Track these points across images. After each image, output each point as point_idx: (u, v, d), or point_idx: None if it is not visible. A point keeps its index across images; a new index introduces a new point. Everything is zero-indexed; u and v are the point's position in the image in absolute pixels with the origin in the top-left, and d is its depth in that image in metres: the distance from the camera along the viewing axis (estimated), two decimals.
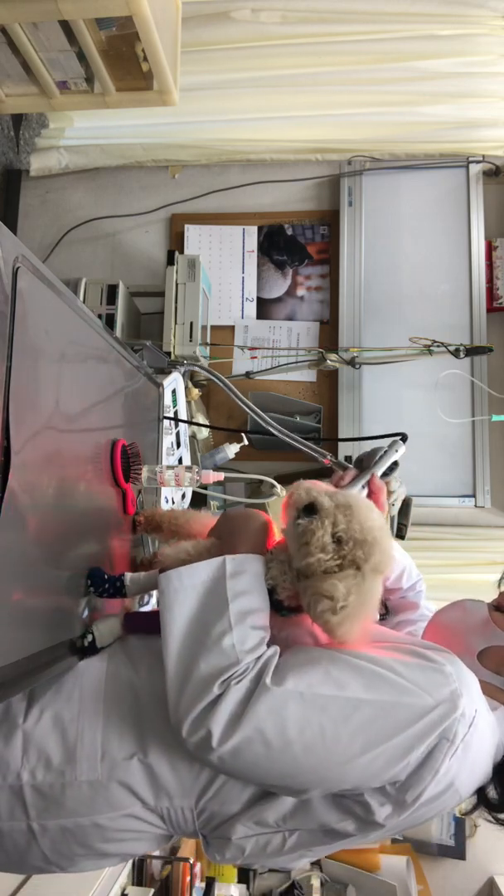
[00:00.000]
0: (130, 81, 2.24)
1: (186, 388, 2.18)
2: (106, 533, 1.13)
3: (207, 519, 1.17)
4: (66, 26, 2.02)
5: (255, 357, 2.66)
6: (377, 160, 2.84)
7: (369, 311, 2.77)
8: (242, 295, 2.92)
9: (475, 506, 2.63)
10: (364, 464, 1.11)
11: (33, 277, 0.86)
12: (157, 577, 0.89)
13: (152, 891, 2.06)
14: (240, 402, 1.51)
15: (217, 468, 2.14)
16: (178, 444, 1.95)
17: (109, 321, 2.44)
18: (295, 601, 0.89)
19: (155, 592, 0.93)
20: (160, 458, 1.60)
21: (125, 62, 2.16)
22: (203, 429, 2.41)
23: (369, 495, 1.06)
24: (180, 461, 1.97)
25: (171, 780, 0.86)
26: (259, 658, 0.81)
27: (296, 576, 0.88)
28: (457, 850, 2.58)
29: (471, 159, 2.78)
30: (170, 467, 1.32)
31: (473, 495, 2.63)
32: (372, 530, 0.84)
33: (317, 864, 2.56)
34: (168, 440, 1.73)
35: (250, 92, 2.79)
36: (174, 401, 1.88)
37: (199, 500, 2.24)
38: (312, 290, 2.91)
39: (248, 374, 2.66)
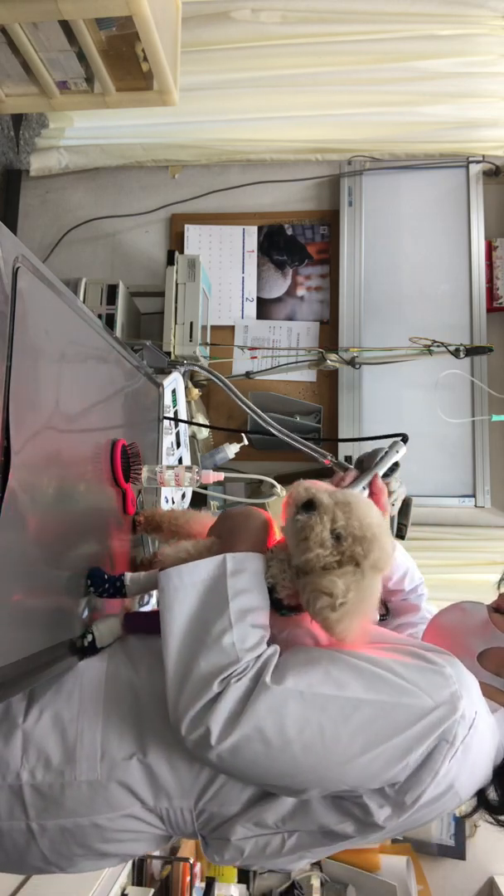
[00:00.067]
0: (130, 81, 2.24)
1: (186, 388, 2.18)
2: (106, 533, 1.13)
3: (207, 519, 1.17)
4: (66, 26, 2.02)
5: (255, 357, 2.66)
6: (377, 160, 2.84)
7: (369, 311, 2.77)
8: (242, 295, 2.92)
9: (475, 506, 2.63)
10: (365, 465, 1.11)
11: (33, 277, 0.86)
12: (157, 577, 0.89)
13: (152, 891, 2.06)
14: (240, 402, 1.51)
15: (217, 468, 2.14)
16: (178, 444, 1.95)
17: (109, 321, 2.44)
18: (295, 600, 0.89)
19: (155, 592, 0.93)
20: (160, 458, 1.60)
21: (125, 62, 2.16)
22: (203, 429, 2.41)
23: (370, 496, 1.06)
24: (180, 461, 1.97)
25: (170, 781, 0.86)
26: (259, 657, 0.81)
27: (295, 574, 0.88)
28: (457, 850, 2.58)
29: (471, 159, 2.78)
30: (170, 467, 1.32)
31: (473, 495, 2.63)
32: (371, 527, 0.84)
33: (317, 865, 2.57)
34: (168, 440, 1.73)
35: (250, 92, 2.79)
36: (174, 401, 1.88)
37: (199, 500, 2.24)
38: (312, 290, 2.91)
39: (248, 374, 2.66)
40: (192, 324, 2.39)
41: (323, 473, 1.16)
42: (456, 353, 2.43)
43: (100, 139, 2.92)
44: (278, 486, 1.46)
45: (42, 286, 0.89)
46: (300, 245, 2.93)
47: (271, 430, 1.38)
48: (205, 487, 2.11)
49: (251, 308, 2.91)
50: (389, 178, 2.84)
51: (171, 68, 2.18)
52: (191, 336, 2.38)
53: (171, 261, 2.43)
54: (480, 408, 2.65)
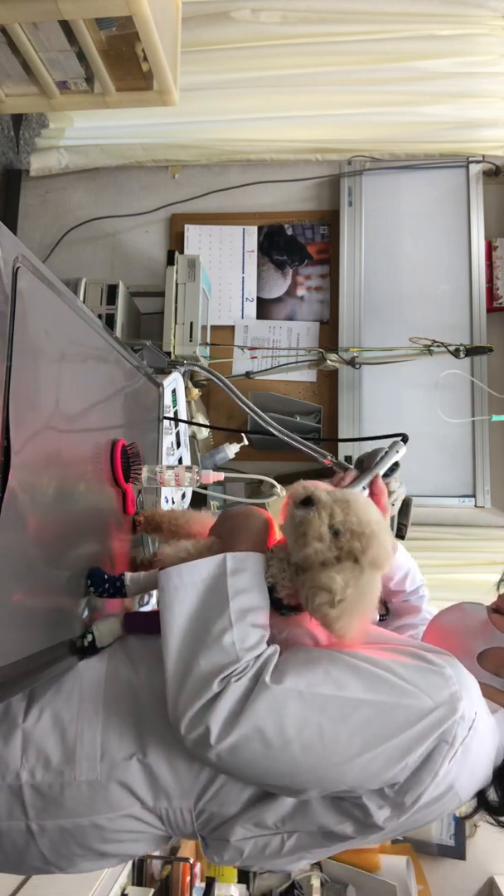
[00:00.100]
0: (130, 81, 2.24)
1: (186, 388, 2.18)
2: (106, 533, 1.13)
3: (207, 519, 1.17)
4: (66, 26, 2.02)
5: (255, 357, 2.66)
6: (377, 160, 2.84)
7: (369, 311, 2.77)
8: (242, 295, 2.92)
9: (475, 506, 2.63)
10: (365, 465, 1.11)
11: (33, 277, 0.86)
12: (157, 577, 0.89)
13: (152, 891, 2.06)
14: (240, 402, 1.51)
15: (217, 468, 2.14)
16: (178, 444, 1.95)
17: (109, 321, 2.44)
18: (294, 599, 0.89)
19: (155, 592, 0.93)
20: (160, 458, 1.60)
21: (125, 62, 2.16)
22: (203, 429, 2.41)
23: (371, 497, 1.06)
24: (180, 461, 1.98)
25: (170, 781, 0.86)
26: (259, 656, 0.81)
27: (295, 572, 0.88)
28: (457, 850, 2.58)
29: (471, 159, 2.78)
30: (170, 467, 1.32)
31: (473, 495, 2.63)
32: (370, 524, 0.84)
33: (317, 865, 2.57)
34: (168, 440, 1.73)
35: (250, 92, 2.79)
36: (174, 401, 1.88)
37: (199, 500, 2.24)
38: (312, 290, 2.91)
39: (248, 374, 2.66)
40: (192, 324, 2.39)
41: (323, 473, 1.16)
42: (456, 353, 2.43)
43: (100, 139, 2.92)
44: (278, 486, 1.46)
45: (42, 286, 0.89)
46: (300, 245, 2.93)
47: (271, 430, 1.38)
48: (205, 487, 2.11)
49: (251, 308, 2.91)
50: (389, 178, 2.84)
51: (171, 68, 2.18)
52: (191, 336, 2.38)
53: (171, 261, 2.43)
54: (480, 408, 2.65)
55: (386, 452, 1.11)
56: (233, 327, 2.90)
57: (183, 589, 0.85)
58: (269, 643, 0.85)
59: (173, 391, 1.87)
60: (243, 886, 2.50)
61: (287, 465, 2.60)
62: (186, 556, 0.96)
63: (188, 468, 1.32)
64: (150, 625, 0.94)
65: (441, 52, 2.66)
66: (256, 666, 0.80)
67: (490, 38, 2.65)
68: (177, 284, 2.42)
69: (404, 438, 1.14)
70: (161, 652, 0.83)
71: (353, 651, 0.84)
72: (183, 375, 1.99)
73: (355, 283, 2.78)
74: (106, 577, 1.02)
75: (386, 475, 1.10)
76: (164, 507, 1.68)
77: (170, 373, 1.85)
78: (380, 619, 1.13)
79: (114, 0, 1.84)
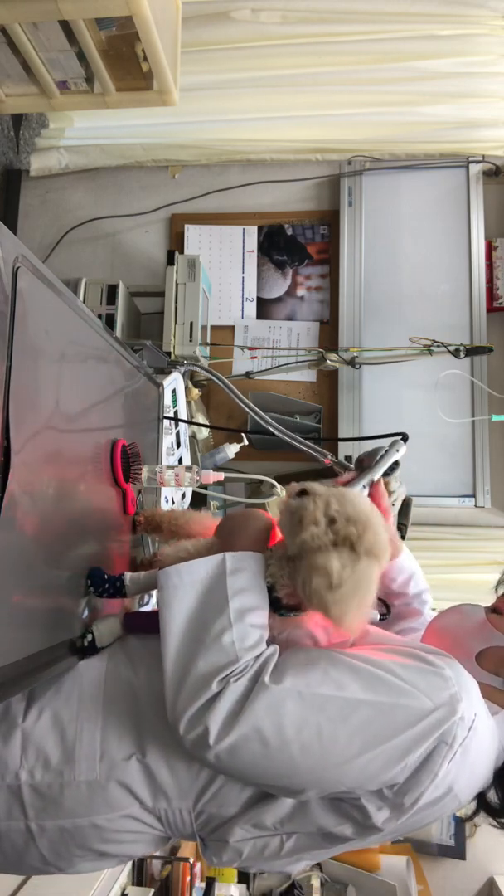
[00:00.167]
0: (130, 81, 2.24)
1: (186, 388, 2.18)
2: (106, 533, 1.13)
3: (207, 519, 1.17)
4: (66, 26, 2.02)
5: (255, 357, 2.66)
6: (377, 160, 2.84)
7: (369, 311, 2.77)
8: (242, 295, 2.92)
9: (475, 506, 2.63)
10: (364, 463, 1.11)
11: (33, 277, 0.86)
12: (156, 577, 0.89)
13: (152, 891, 2.06)
14: (240, 402, 1.51)
15: (217, 468, 2.14)
16: (178, 444, 1.95)
17: (109, 321, 2.44)
18: (294, 599, 0.89)
19: (155, 592, 0.93)
20: (160, 458, 1.60)
21: (125, 62, 2.16)
22: (203, 429, 2.41)
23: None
24: (180, 461, 1.98)
25: (168, 781, 0.86)
26: (258, 657, 0.81)
27: (294, 569, 0.88)
28: (457, 850, 2.58)
29: (471, 159, 2.78)
30: (170, 467, 1.32)
31: (473, 495, 2.63)
32: (364, 513, 0.84)
33: (317, 864, 2.56)
34: (168, 440, 1.73)
35: (250, 92, 2.79)
36: (174, 401, 1.88)
37: (199, 500, 2.24)
38: (312, 290, 2.91)
39: (248, 374, 2.66)
40: (192, 324, 2.39)
41: (323, 473, 1.16)
42: (456, 353, 2.43)
43: (100, 139, 2.92)
44: (278, 486, 1.46)
45: (42, 286, 0.89)
46: (300, 245, 2.93)
47: (271, 429, 1.38)
48: (205, 487, 2.11)
49: (251, 308, 2.91)
50: (389, 178, 2.84)
51: (171, 68, 2.18)
52: (191, 336, 2.38)
53: (171, 261, 2.43)
54: (480, 408, 2.65)
55: (386, 451, 1.11)
56: (233, 327, 2.90)
57: (182, 588, 0.85)
58: (268, 643, 0.85)
59: (173, 391, 1.87)
60: (243, 886, 2.50)
61: (287, 465, 2.60)
62: (186, 556, 0.96)
63: (188, 468, 1.32)
64: (149, 625, 0.94)
65: (441, 52, 2.66)
66: (256, 666, 0.80)
67: (490, 38, 2.65)
68: (177, 284, 2.42)
69: (404, 437, 1.13)
70: (161, 652, 0.83)
71: (352, 652, 0.84)
72: (183, 375, 1.99)
73: (355, 283, 2.78)
74: (106, 577, 1.02)
75: (386, 474, 1.09)
76: (164, 507, 1.68)
77: (170, 373, 1.85)
78: (380, 619, 1.13)
79: (114, 0, 1.84)
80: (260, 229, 2.94)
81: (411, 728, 0.76)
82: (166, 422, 1.66)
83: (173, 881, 2.18)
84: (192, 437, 2.30)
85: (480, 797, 0.88)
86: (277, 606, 0.90)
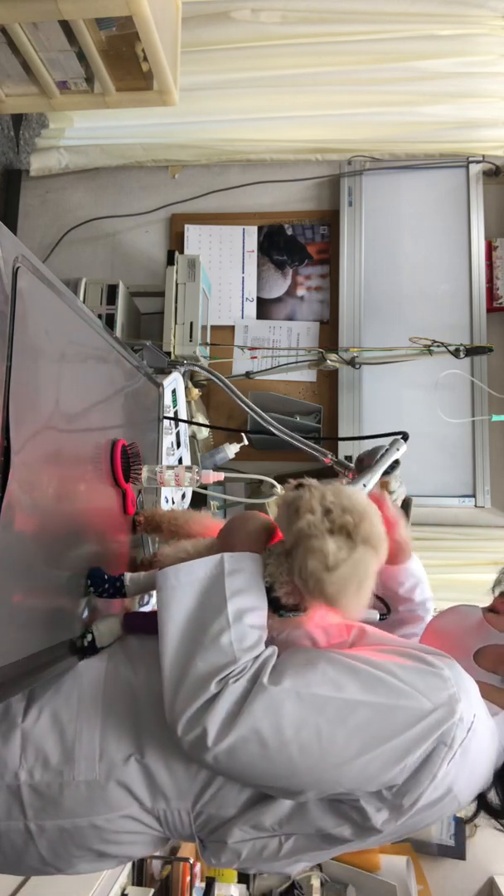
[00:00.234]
0: (130, 81, 2.24)
1: (186, 388, 2.18)
2: (106, 533, 1.13)
3: (207, 519, 1.17)
4: (66, 26, 2.02)
5: (255, 357, 2.66)
6: (377, 160, 2.84)
7: (369, 311, 2.77)
8: (242, 295, 2.92)
9: (475, 506, 2.63)
10: (365, 462, 1.11)
11: (33, 277, 0.86)
12: (156, 577, 0.89)
13: (152, 891, 2.06)
14: (240, 402, 1.51)
15: (217, 468, 2.14)
16: (178, 444, 1.95)
17: (109, 321, 2.44)
18: (293, 598, 0.88)
19: (155, 593, 0.93)
20: (160, 458, 1.60)
21: (125, 62, 2.16)
22: (203, 429, 2.41)
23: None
24: (180, 461, 1.97)
25: (167, 782, 0.86)
26: (257, 657, 0.81)
27: (291, 561, 0.87)
28: (457, 850, 2.58)
29: (471, 159, 2.78)
30: (170, 467, 1.32)
31: (473, 495, 2.63)
32: (361, 504, 0.84)
33: (317, 865, 2.56)
34: (168, 440, 1.73)
35: (250, 92, 2.79)
36: (174, 401, 1.88)
37: (199, 500, 2.24)
38: (312, 290, 2.91)
39: (248, 374, 2.66)
40: (192, 324, 2.39)
41: (323, 473, 1.16)
42: (456, 353, 2.43)
43: (100, 139, 2.92)
44: (278, 486, 1.46)
45: (42, 286, 0.89)
46: (300, 245, 2.93)
47: (271, 429, 1.38)
48: (205, 487, 2.11)
49: (251, 308, 2.91)
50: (389, 178, 2.84)
51: (171, 68, 2.18)
52: (191, 336, 2.38)
53: (171, 261, 2.43)
54: (480, 408, 2.65)
55: (386, 450, 1.11)
56: (233, 327, 2.90)
57: (180, 589, 0.85)
58: (267, 644, 0.85)
59: (173, 391, 1.87)
60: (243, 886, 2.50)
61: (287, 465, 2.60)
62: (186, 557, 0.96)
63: (188, 468, 1.32)
64: (149, 625, 0.94)
65: (441, 52, 2.66)
66: (254, 667, 0.80)
67: (490, 38, 2.65)
68: (177, 284, 2.42)
69: (405, 436, 1.14)
70: (159, 652, 0.83)
71: (351, 652, 0.84)
72: (183, 375, 1.99)
73: (355, 283, 2.78)
74: (106, 577, 1.02)
75: (386, 474, 1.10)
76: (164, 507, 1.68)
77: (170, 373, 1.85)
78: (380, 619, 1.13)
79: (114, 0, 1.84)
80: (260, 229, 2.94)
81: (410, 729, 0.76)
82: (166, 422, 1.66)
83: (173, 881, 2.18)
84: (192, 437, 2.30)
85: (481, 798, 0.88)
86: (276, 607, 0.90)
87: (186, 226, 2.95)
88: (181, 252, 2.80)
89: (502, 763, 0.87)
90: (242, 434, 2.31)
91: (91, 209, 2.99)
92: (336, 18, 2.64)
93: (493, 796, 0.88)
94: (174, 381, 1.86)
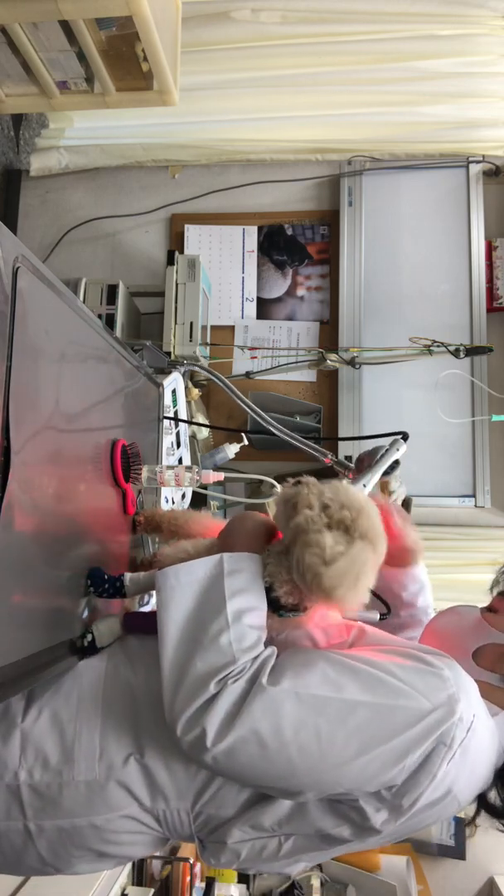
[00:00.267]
0: (130, 81, 2.24)
1: (186, 388, 2.18)
2: (106, 533, 1.13)
3: (207, 519, 1.17)
4: (66, 26, 2.02)
5: (255, 357, 2.66)
6: (377, 160, 2.84)
7: (369, 311, 2.77)
8: (242, 295, 2.92)
9: (475, 506, 2.63)
10: (365, 463, 1.11)
11: (33, 277, 0.86)
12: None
13: (152, 891, 2.06)
14: (240, 402, 1.51)
15: (217, 468, 2.14)
16: (178, 444, 1.95)
17: (109, 321, 2.44)
18: (292, 598, 0.88)
19: (155, 592, 0.93)
20: (160, 458, 1.60)
21: (125, 62, 2.16)
22: (203, 429, 2.41)
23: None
24: (180, 461, 1.97)
25: (167, 782, 0.86)
26: (256, 658, 0.81)
27: (290, 558, 0.87)
28: (457, 850, 2.58)
29: (471, 159, 2.78)
30: (170, 467, 1.32)
31: (473, 495, 2.63)
32: (359, 500, 0.84)
33: (317, 865, 2.56)
34: (168, 440, 1.73)
35: (250, 92, 2.79)
36: (174, 401, 1.88)
37: (199, 500, 2.24)
38: (312, 290, 2.91)
39: (248, 374, 2.66)
40: (192, 324, 2.39)
41: (323, 473, 1.16)
42: (456, 353, 2.43)
43: (100, 139, 2.92)
44: (278, 487, 1.46)
45: (42, 286, 0.89)
46: (300, 245, 2.93)
47: (271, 429, 1.38)
48: (205, 487, 2.11)
49: (251, 308, 2.91)
50: (389, 178, 2.84)
51: (171, 68, 2.18)
52: (191, 336, 2.38)
53: (171, 261, 2.43)
54: (480, 408, 2.65)
55: (386, 450, 1.11)
56: (233, 327, 2.90)
57: (179, 589, 0.85)
58: (266, 645, 0.85)
59: (173, 391, 1.87)
60: (243, 887, 2.50)
61: (287, 465, 2.59)
62: (186, 557, 0.96)
63: (188, 468, 1.32)
64: (149, 625, 0.94)
65: (441, 52, 2.66)
66: (253, 667, 0.80)
67: (490, 38, 2.65)
68: (177, 284, 2.42)
69: (405, 436, 1.14)
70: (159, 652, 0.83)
71: (351, 652, 0.84)
72: (183, 375, 1.99)
73: (355, 283, 2.78)
74: (106, 577, 1.02)
75: (386, 474, 1.10)
76: (164, 507, 1.68)
77: (170, 373, 1.85)
78: (380, 619, 1.13)
79: (114, 0, 1.84)
80: (260, 229, 2.94)
81: (410, 729, 0.76)
82: (166, 422, 1.66)
83: (173, 881, 2.18)
84: (192, 437, 2.30)
85: (481, 798, 0.87)
86: (276, 607, 0.90)
87: (186, 226, 2.95)
88: (181, 252, 2.80)
89: (503, 763, 0.87)
90: (242, 434, 2.31)
91: (91, 209, 2.99)
92: (336, 18, 2.64)
93: (493, 796, 0.87)
94: (174, 381, 1.86)
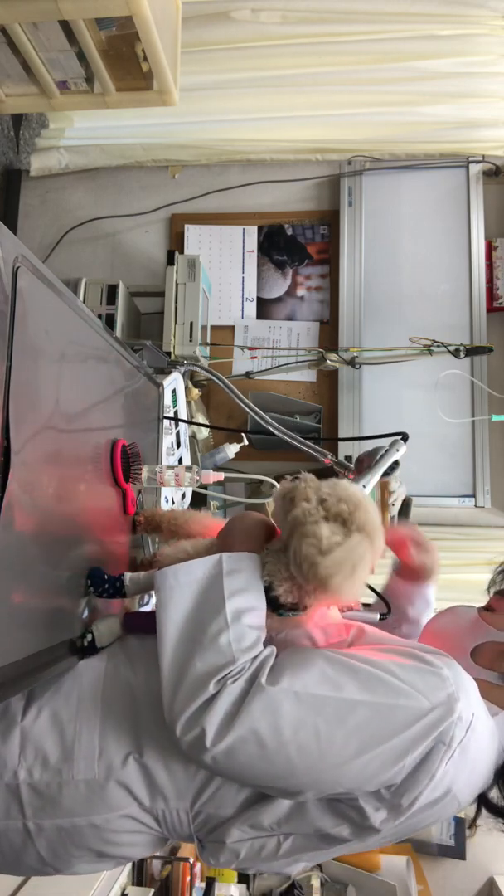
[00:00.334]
0: (130, 81, 2.24)
1: (186, 388, 2.18)
2: (106, 533, 1.13)
3: (207, 519, 1.17)
4: (66, 26, 2.02)
5: (255, 357, 2.66)
6: (377, 160, 2.84)
7: (369, 311, 2.77)
8: (242, 295, 2.92)
9: (475, 506, 2.63)
10: (364, 463, 1.11)
11: (33, 277, 0.86)
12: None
13: (152, 891, 2.06)
14: (240, 402, 1.51)
15: (217, 468, 2.14)
16: (178, 444, 1.95)
17: (109, 321, 2.44)
18: (291, 596, 0.88)
19: (154, 592, 0.93)
20: (160, 458, 1.60)
21: (125, 62, 2.16)
22: (203, 429, 2.41)
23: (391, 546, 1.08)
24: (180, 461, 1.97)
25: (166, 782, 0.86)
26: (256, 657, 0.81)
27: (289, 558, 0.87)
28: (457, 850, 2.58)
29: (471, 159, 2.78)
30: (170, 467, 1.32)
31: (473, 495, 2.63)
32: (356, 495, 0.85)
33: (317, 864, 2.56)
34: (168, 440, 1.73)
35: (250, 92, 2.79)
36: (174, 401, 1.88)
37: (199, 500, 2.24)
38: (312, 290, 2.91)
39: (248, 374, 2.66)
40: (192, 324, 2.39)
41: (323, 474, 1.16)
42: (456, 353, 2.43)
43: (100, 139, 2.92)
44: (278, 486, 1.46)
45: (42, 286, 0.89)
46: (300, 245, 2.93)
47: (271, 429, 1.38)
48: (205, 487, 2.11)
49: (251, 308, 2.91)
50: (389, 178, 2.84)
51: (171, 68, 2.18)
52: (191, 336, 2.38)
53: (171, 261, 2.43)
54: (480, 408, 2.65)
55: (386, 451, 1.11)
56: (233, 327, 2.90)
57: (178, 589, 0.85)
58: (266, 644, 0.85)
59: (173, 391, 1.87)
60: (243, 886, 2.50)
61: (287, 465, 2.59)
62: (185, 557, 0.96)
63: (188, 468, 1.32)
64: (149, 625, 0.94)
65: (441, 52, 2.66)
66: (253, 667, 0.80)
67: (490, 38, 2.65)
68: (177, 284, 2.42)
69: (404, 437, 1.14)
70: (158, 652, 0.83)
71: (350, 652, 0.84)
72: (183, 375, 1.99)
73: (355, 283, 2.78)
74: (106, 577, 1.02)
75: (386, 474, 1.10)
76: (164, 507, 1.68)
77: (170, 373, 1.85)
78: (380, 619, 1.13)
79: (114, 0, 1.84)
80: (260, 229, 2.94)
81: (409, 728, 0.76)
82: (166, 422, 1.66)
83: (173, 881, 2.18)
84: (192, 437, 2.30)
85: (482, 797, 0.87)
86: (275, 606, 0.89)
87: (186, 226, 2.95)
88: (181, 252, 2.81)
89: (503, 762, 0.87)
90: (242, 434, 2.31)
91: (91, 209, 2.99)
92: (336, 18, 2.64)
93: (494, 795, 0.87)
94: (174, 381, 1.86)
